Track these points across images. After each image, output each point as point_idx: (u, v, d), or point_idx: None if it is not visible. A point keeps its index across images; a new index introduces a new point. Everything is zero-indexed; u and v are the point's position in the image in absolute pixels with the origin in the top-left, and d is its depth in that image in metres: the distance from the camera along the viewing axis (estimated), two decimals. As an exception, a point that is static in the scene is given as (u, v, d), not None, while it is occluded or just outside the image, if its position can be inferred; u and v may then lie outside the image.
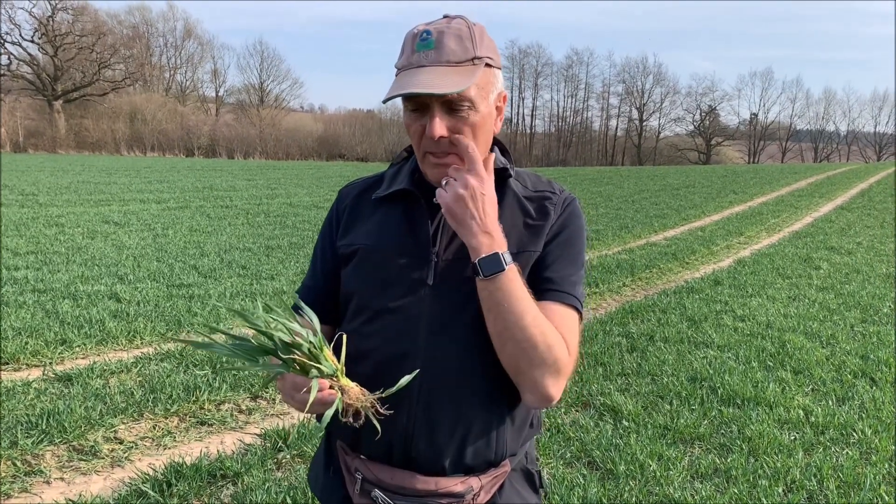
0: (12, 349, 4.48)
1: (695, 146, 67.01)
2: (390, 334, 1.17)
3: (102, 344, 4.80)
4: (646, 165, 55.06)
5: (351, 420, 1.00)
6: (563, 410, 3.89)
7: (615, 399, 4.00)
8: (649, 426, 3.66)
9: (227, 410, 3.81)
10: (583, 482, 3.03)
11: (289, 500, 2.86)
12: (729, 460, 3.29)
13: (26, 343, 4.61)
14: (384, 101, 1.15)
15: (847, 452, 3.42)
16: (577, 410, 3.94)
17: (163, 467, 3.09)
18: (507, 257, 1.08)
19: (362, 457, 1.22)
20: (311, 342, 0.97)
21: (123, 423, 3.57)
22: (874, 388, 4.34)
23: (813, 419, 3.80)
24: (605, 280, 7.52)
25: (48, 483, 3.01)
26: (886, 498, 2.99)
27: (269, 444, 3.38)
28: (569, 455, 3.34)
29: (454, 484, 1.18)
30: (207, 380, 4.09)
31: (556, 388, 1.12)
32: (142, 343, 4.90)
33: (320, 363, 0.97)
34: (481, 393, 1.16)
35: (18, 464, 3.11)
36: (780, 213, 15.22)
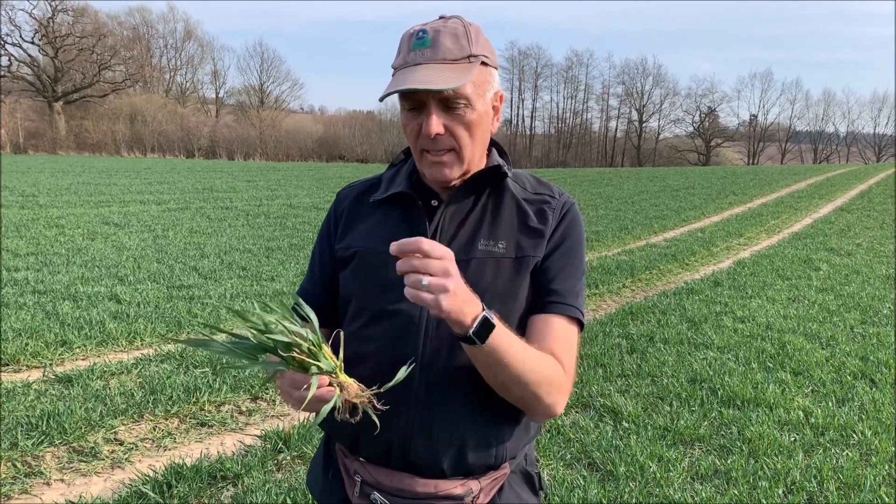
0: (12, 350, 4.48)
1: (694, 147, 67.05)
2: (388, 337, 1.17)
3: (102, 345, 4.80)
4: (645, 167, 55.07)
5: (348, 416, 1.00)
6: (563, 412, 3.89)
7: (615, 400, 4.00)
8: (649, 427, 3.66)
9: (227, 412, 3.81)
10: (583, 483, 3.03)
11: (289, 502, 2.86)
12: (729, 461, 3.29)
13: (26, 344, 4.61)
14: (381, 99, 1.15)
15: (847, 454, 3.42)
16: (577, 412, 3.94)
17: (163, 469, 3.09)
18: (489, 311, 1.02)
19: (361, 459, 1.22)
20: (309, 340, 0.97)
21: (123, 424, 3.57)
22: (874, 389, 4.34)
23: (813, 420, 3.80)
24: (604, 281, 7.52)
25: (48, 484, 3.01)
26: (886, 499, 2.99)
27: (269, 446, 3.38)
28: (569, 456, 3.34)
29: (453, 486, 1.18)
30: (207, 381, 4.09)
31: (559, 406, 1.15)
32: (142, 344, 4.90)
33: (319, 360, 0.97)
34: (480, 395, 1.16)
35: (18, 465, 3.11)
36: (780, 214, 15.22)
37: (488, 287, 1.16)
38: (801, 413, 3.89)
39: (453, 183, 1.21)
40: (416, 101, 1.13)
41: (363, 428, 1.16)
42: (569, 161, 63.18)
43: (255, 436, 3.55)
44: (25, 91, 47.01)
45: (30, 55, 47.13)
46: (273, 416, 3.81)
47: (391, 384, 1.04)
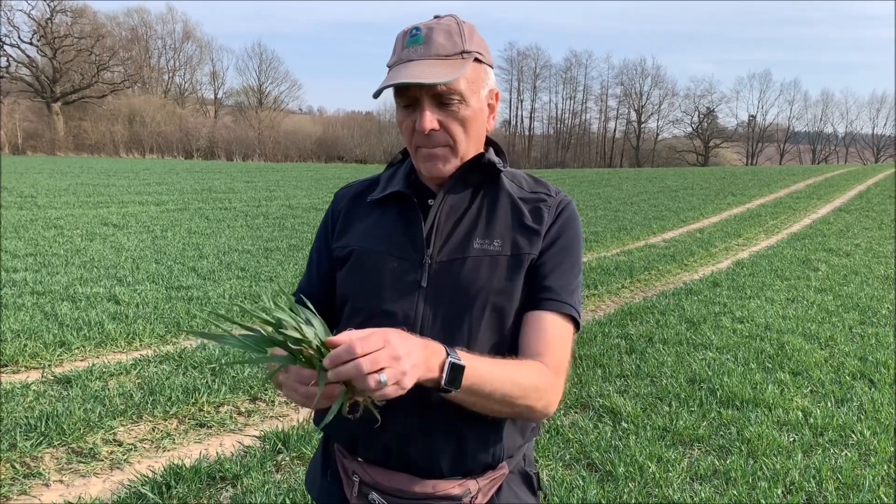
0: (11, 351, 4.47)
1: (693, 148, 67.11)
2: None
3: (101, 346, 4.80)
4: (644, 167, 55.13)
5: (348, 411, 1.00)
6: (562, 412, 3.90)
7: (614, 401, 4.00)
8: (648, 428, 3.66)
9: (226, 412, 3.81)
10: (582, 484, 3.03)
11: (288, 503, 2.86)
12: (728, 462, 3.29)
13: (25, 345, 4.61)
14: (375, 95, 1.15)
15: (846, 454, 3.42)
16: (576, 412, 3.94)
17: (162, 469, 3.08)
18: (454, 353, 1.00)
19: (360, 460, 1.22)
20: (318, 337, 0.97)
21: (122, 425, 3.57)
22: (873, 389, 4.35)
23: (812, 421, 3.80)
24: (603, 282, 7.53)
25: (47, 485, 3.01)
26: (885, 499, 3.00)
27: (268, 447, 3.38)
28: (568, 457, 3.34)
29: (452, 487, 1.18)
30: (206, 382, 4.09)
31: (552, 407, 1.15)
32: (141, 345, 4.89)
33: (326, 357, 0.97)
34: None
35: (17, 466, 3.11)
36: (779, 214, 15.24)
37: (484, 285, 1.16)
38: (799, 413, 3.90)
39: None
40: (410, 98, 1.14)
41: (362, 429, 1.16)
42: (567, 162, 63.22)
43: (254, 436, 3.55)
44: (24, 92, 46.98)
45: (28, 56, 47.17)
46: (272, 416, 3.81)
47: None
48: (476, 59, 1.15)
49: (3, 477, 3.02)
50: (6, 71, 45.84)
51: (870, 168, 40.04)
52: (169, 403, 3.79)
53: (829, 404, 4.07)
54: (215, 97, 61.34)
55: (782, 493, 3.04)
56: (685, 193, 20.61)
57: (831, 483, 3.11)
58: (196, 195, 16.60)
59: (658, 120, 68.54)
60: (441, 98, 1.13)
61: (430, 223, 1.21)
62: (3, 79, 45.12)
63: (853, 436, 3.62)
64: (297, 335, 0.94)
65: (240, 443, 3.48)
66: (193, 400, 3.85)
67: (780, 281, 7.83)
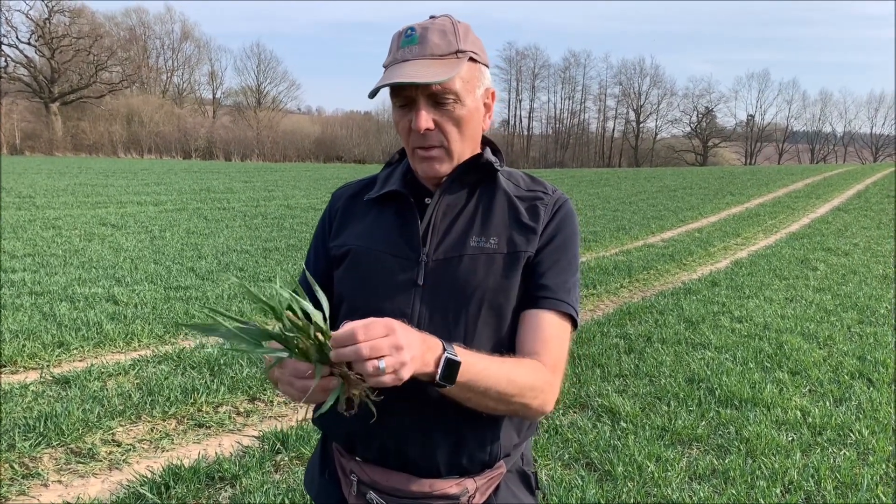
0: (9, 352, 4.47)
1: (692, 148, 67.17)
2: None
3: (100, 346, 4.80)
4: (643, 167, 55.16)
5: (344, 407, 1.00)
6: (561, 412, 3.90)
7: (613, 400, 4.00)
8: (647, 427, 3.66)
9: (224, 413, 3.81)
10: (581, 483, 3.04)
11: (287, 503, 2.86)
12: (727, 461, 3.30)
13: (24, 345, 4.61)
14: (370, 95, 1.15)
15: (844, 453, 3.42)
16: (575, 412, 3.95)
17: (161, 470, 3.08)
18: (450, 349, 1.01)
19: (358, 459, 1.22)
20: (318, 326, 0.96)
21: (121, 425, 3.56)
22: (871, 388, 4.35)
23: (810, 420, 3.81)
24: (602, 282, 7.53)
25: (46, 486, 3.00)
26: (884, 498, 3.00)
27: (267, 447, 3.38)
28: (567, 456, 3.35)
29: (449, 486, 1.18)
30: (205, 382, 4.08)
31: (549, 405, 1.15)
32: (139, 345, 4.89)
33: (323, 349, 0.97)
34: None
35: (16, 466, 3.10)
36: (777, 214, 15.25)
37: (480, 283, 1.17)
38: (798, 413, 3.90)
39: (444, 179, 1.22)
40: (405, 98, 1.14)
41: (359, 427, 1.16)
42: (566, 161, 63.24)
43: (253, 437, 3.55)
44: (22, 92, 46.91)
45: (26, 56, 47.10)
46: (271, 416, 3.81)
47: None
48: (471, 59, 1.16)
49: (1, 477, 3.02)
50: (4, 71, 45.77)
51: (868, 167, 40.09)
52: (167, 404, 3.79)
53: (827, 404, 4.07)
54: (213, 97, 61.39)
55: (781, 492, 3.04)
56: (684, 193, 20.63)
57: (830, 482, 3.11)
58: (194, 195, 16.59)
59: (657, 120, 68.69)
60: (436, 98, 1.13)
61: (426, 222, 1.21)
62: (2, 79, 45.05)
63: (852, 435, 3.63)
64: (298, 323, 0.94)
65: (238, 443, 3.48)
66: (192, 400, 3.85)
67: (778, 280, 7.83)
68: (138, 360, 4.50)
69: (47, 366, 4.37)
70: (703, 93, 69.86)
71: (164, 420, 3.67)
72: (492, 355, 1.10)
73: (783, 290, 7.33)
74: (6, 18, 50.85)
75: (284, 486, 3.01)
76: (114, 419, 3.58)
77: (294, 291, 1.02)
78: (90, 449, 3.30)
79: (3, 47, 45.39)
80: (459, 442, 1.17)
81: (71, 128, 46.37)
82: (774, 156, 68.01)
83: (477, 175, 1.25)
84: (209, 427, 3.65)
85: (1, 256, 7.88)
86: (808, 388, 4.38)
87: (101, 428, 3.48)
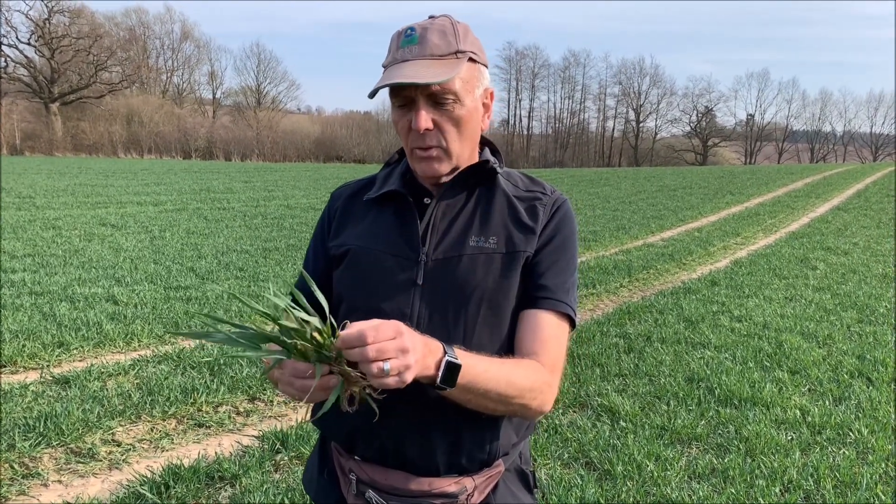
0: (9, 352, 4.47)
1: (691, 147, 67.17)
2: None
3: (100, 346, 4.80)
4: (643, 166, 55.15)
5: (346, 405, 1.00)
6: (560, 411, 3.90)
7: (612, 400, 4.00)
8: (647, 427, 3.66)
9: (224, 412, 3.81)
10: (580, 483, 3.04)
11: (286, 502, 2.87)
12: (726, 460, 3.30)
13: (24, 346, 4.61)
14: (370, 96, 1.16)
15: (844, 452, 3.43)
16: (574, 411, 3.95)
17: (160, 469, 3.09)
18: (451, 351, 1.01)
19: (356, 458, 1.22)
20: (315, 325, 0.96)
21: (121, 425, 3.57)
22: (871, 387, 4.35)
23: (810, 419, 3.81)
24: (602, 281, 7.53)
25: (46, 486, 3.01)
26: (883, 497, 3.00)
27: (266, 446, 3.38)
28: (566, 456, 3.35)
29: (448, 484, 1.18)
30: (205, 382, 4.09)
31: (547, 405, 1.16)
32: (139, 345, 4.89)
33: (322, 348, 0.97)
34: None
35: (16, 466, 3.11)
36: (777, 213, 15.25)
37: (479, 283, 1.17)
38: (797, 412, 3.90)
39: (443, 179, 1.23)
40: (405, 98, 1.14)
41: (358, 426, 1.16)
42: (566, 161, 63.21)
43: (253, 436, 3.55)
44: (22, 92, 46.88)
45: (26, 56, 47.05)
46: (271, 416, 3.81)
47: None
48: (470, 59, 1.16)
49: (1, 477, 3.02)
50: (4, 71, 45.74)
51: (868, 167, 40.09)
52: (167, 403, 3.79)
53: (827, 403, 4.07)
54: (213, 97, 61.34)
55: (780, 491, 3.04)
56: (683, 192, 20.63)
57: (829, 481, 3.11)
58: (194, 195, 16.59)
59: (656, 119, 68.67)
60: (436, 98, 1.13)
61: (426, 222, 1.22)
62: (2, 79, 45.04)
63: (851, 434, 3.63)
64: (294, 325, 0.94)
65: (238, 443, 3.48)
66: (192, 400, 3.85)
67: (778, 280, 7.84)
68: (138, 360, 4.50)
69: (47, 366, 4.37)
70: (703, 92, 69.94)
71: (164, 420, 3.67)
72: (491, 356, 1.11)
73: (783, 289, 7.34)
74: (6, 18, 50.89)
75: (284, 485, 3.01)
76: (114, 419, 3.59)
77: (291, 294, 1.02)
78: (90, 449, 3.30)
79: (3, 47, 45.43)
80: (458, 441, 1.17)
81: (71, 128, 46.34)
82: (774, 155, 68.00)
83: (476, 176, 1.25)
84: (209, 427, 3.65)
85: (1, 256, 7.88)
86: (807, 387, 4.38)
87: (101, 428, 3.49)
